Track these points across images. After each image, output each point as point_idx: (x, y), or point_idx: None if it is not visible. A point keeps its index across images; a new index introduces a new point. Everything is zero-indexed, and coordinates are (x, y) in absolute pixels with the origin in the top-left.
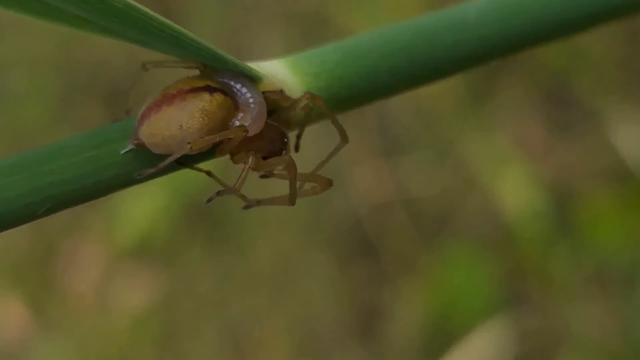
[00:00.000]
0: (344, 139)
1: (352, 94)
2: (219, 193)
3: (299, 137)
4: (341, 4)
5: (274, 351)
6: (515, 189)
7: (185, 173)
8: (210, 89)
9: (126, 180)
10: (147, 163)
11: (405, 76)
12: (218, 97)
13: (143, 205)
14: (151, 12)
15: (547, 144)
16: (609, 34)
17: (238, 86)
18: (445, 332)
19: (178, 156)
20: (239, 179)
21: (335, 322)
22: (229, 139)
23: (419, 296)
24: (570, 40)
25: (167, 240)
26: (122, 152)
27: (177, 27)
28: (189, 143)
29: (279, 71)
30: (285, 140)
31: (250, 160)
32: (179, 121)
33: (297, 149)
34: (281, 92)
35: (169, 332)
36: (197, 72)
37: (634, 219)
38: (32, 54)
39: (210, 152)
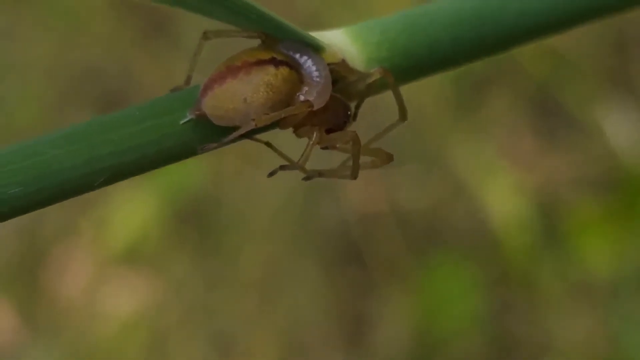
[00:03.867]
0: (403, 116)
1: (415, 64)
2: (282, 167)
3: (357, 107)
4: (333, 13)
5: (261, 358)
6: (501, 198)
7: (177, 177)
8: (275, 62)
9: (186, 151)
10: (207, 133)
11: (470, 47)
12: (283, 70)
13: (133, 211)
14: None
15: (534, 153)
16: (596, 44)
17: (304, 59)
18: (431, 339)
19: (243, 132)
20: (303, 154)
21: (323, 329)
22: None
23: (405, 304)
24: (556, 50)
25: (157, 246)
26: (182, 122)
27: None
28: (254, 120)
29: (341, 40)
30: (349, 113)
31: (314, 135)
32: (244, 94)
33: (354, 118)
34: (343, 62)
35: (158, 337)
36: (257, 42)
37: (619, 228)
38: (25, 60)
39: (272, 125)
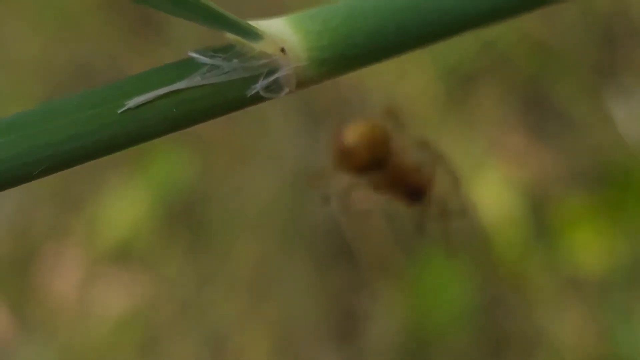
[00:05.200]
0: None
1: (358, 53)
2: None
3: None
4: None
5: (253, 355)
6: (492, 194)
7: (167, 174)
8: None
9: (124, 140)
10: (146, 123)
11: (414, 33)
12: None
13: (124, 209)
14: None
15: (524, 148)
16: (584, 37)
17: None
18: (422, 334)
19: None
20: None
21: (314, 326)
22: None
23: (397, 300)
24: (544, 44)
25: (148, 244)
26: (120, 111)
27: None
28: None
29: (281, 29)
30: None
31: None
32: None
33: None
34: (283, 51)
35: (150, 335)
36: None
37: (609, 223)
38: (14, 58)
39: None
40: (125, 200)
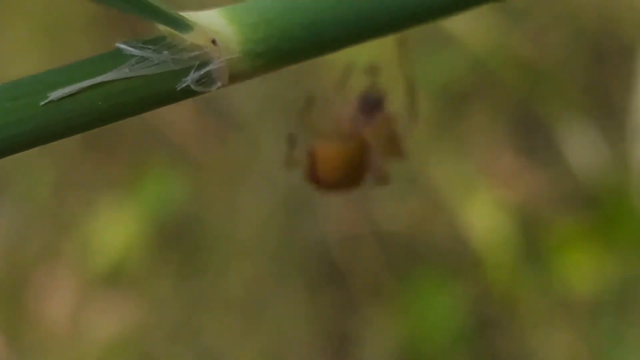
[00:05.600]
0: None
1: (295, 46)
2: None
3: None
4: None
5: None
6: (482, 215)
7: (158, 196)
8: None
9: (47, 134)
10: (71, 115)
11: (353, 29)
12: None
13: (116, 231)
14: None
15: (514, 169)
16: (573, 57)
17: None
18: (416, 357)
19: None
20: None
21: (307, 349)
22: None
23: (389, 322)
24: (533, 64)
25: (140, 267)
26: (42, 103)
27: None
28: None
29: (215, 21)
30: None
31: None
32: None
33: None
34: (214, 43)
35: (143, 358)
36: None
37: (600, 245)
38: (9, 77)
39: None
40: (117, 222)
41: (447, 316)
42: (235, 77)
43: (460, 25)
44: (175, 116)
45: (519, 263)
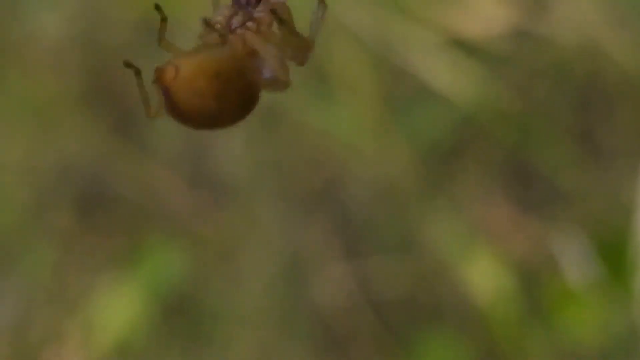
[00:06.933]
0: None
1: None
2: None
3: None
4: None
5: None
6: (483, 272)
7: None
8: None
9: None
10: None
11: None
12: None
13: (120, 309)
14: None
15: (512, 223)
16: (562, 106)
17: None
18: None
19: None
20: None
21: None
22: None
23: None
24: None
25: (147, 342)
26: None
27: None
28: None
29: None
30: None
31: None
32: None
33: None
34: None
35: None
36: None
37: (604, 296)
38: None
39: None
40: (119, 299)
41: None
42: None
43: (444, 79)
44: (169, 189)
45: (523, 318)
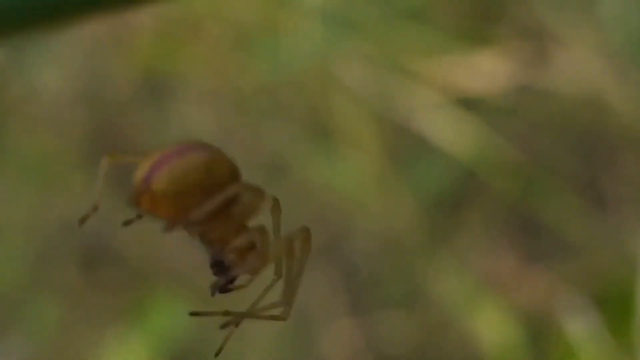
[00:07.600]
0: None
1: None
2: None
3: None
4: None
5: None
6: (490, 324)
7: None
8: None
9: None
10: None
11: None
12: None
13: None
14: None
15: (517, 275)
16: (565, 156)
17: None
18: None
19: None
20: None
21: None
22: None
23: None
24: (526, 166)
25: None
26: None
27: None
28: None
29: None
30: None
31: None
32: None
33: None
34: None
35: None
36: None
37: (611, 346)
38: (2, 221)
39: None
40: (125, 355)
41: None
42: None
43: (446, 134)
44: (173, 243)
45: None
